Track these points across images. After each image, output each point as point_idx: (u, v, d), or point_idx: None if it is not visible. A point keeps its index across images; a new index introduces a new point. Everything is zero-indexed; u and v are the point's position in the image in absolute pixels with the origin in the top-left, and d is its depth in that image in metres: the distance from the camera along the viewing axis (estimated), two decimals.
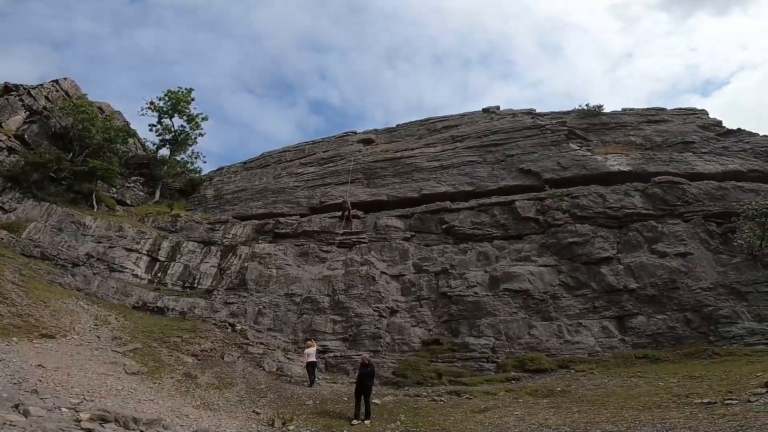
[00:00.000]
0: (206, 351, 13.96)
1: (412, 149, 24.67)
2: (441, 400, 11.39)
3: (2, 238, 17.71)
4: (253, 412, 10.33)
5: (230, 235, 22.37)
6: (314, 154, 27.60)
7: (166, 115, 29.80)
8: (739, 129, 22.58)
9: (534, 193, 19.58)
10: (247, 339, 16.12)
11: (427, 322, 16.85)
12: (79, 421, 6.86)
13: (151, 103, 29.44)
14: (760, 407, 7.01)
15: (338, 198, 22.41)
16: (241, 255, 20.93)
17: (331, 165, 25.74)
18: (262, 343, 16.04)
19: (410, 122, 28.26)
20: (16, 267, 15.06)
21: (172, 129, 30.21)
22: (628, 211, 17.68)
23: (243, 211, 24.59)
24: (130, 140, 28.96)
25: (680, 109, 25.22)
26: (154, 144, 30.69)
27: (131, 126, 30.02)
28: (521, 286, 16.52)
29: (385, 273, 18.65)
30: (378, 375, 13.58)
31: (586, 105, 24.82)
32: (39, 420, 6.34)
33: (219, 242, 21.95)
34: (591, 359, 13.37)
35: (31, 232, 19.09)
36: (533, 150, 21.78)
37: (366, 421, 9.91)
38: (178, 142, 30.22)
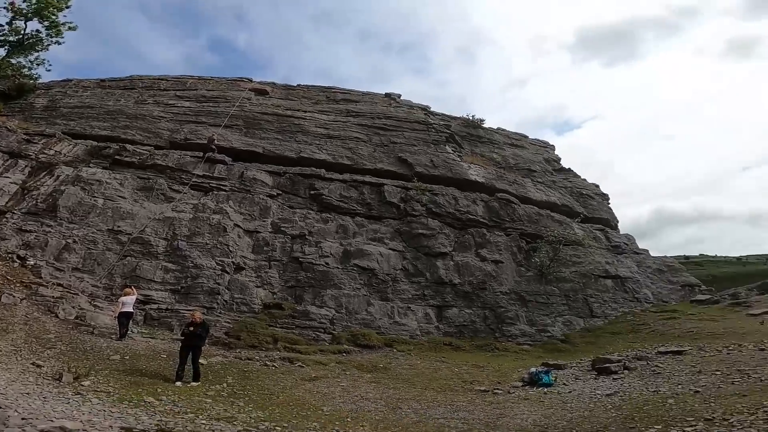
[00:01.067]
0: None
1: (305, 111, 23.66)
2: (273, 366, 11.31)
3: None
4: (33, 364, 8.45)
5: (52, 152, 17.88)
6: (196, 90, 24.13)
7: (22, 18, 23.57)
8: (569, 169, 28.05)
9: (403, 182, 20.83)
10: (41, 277, 13.17)
11: (273, 284, 16.45)
12: None
13: (12, 4, 23.28)
14: (515, 399, 8.95)
15: (209, 139, 19.83)
16: (59, 176, 16.92)
17: (211, 105, 22.78)
18: (60, 285, 13.28)
19: (312, 86, 27.17)
20: None
21: (22, 32, 23.93)
22: (471, 216, 20.28)
23: (80, 129, 20.04)
24: None
25: (537, 140, 29.98)
26: None
27: None
28: (370, 264, 17.45)
29: (239, 226, 17.45)
30: (210, 335, 12.67)
31: (472, 116, 27.54)
32: None
33: (32, 157, 17.35)
34: (411, 341, 15.00)
35: None
36: (415, 143, 23.17)
37: (194, 383, 9.09)
38: (23, 45, 24.14)
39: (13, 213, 15.36)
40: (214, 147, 19.42)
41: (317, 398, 9.03)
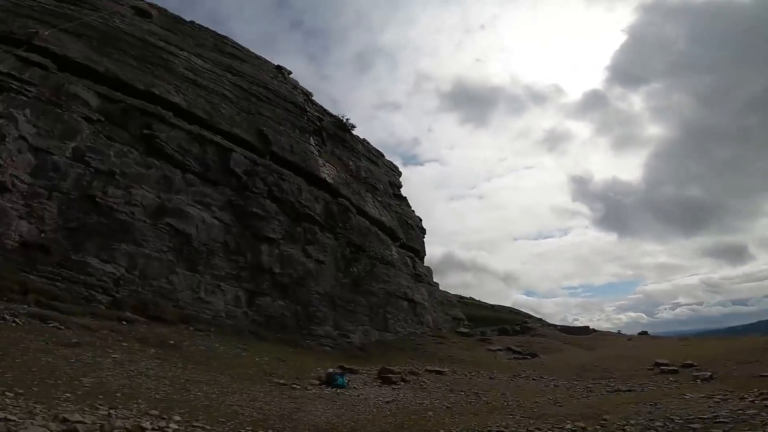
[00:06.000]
0: None
1: (181, 50, 20.29)
2: (15, 321, 8.67)
3: None
4: None
5: None
6: None
7: None
8: (405, 197, 31.65)
9: (254, 156, 19.50)
10: None
11: (45, 220, 12.88)
12: None
13: None
14: (312, 396, 9.31)
15: (42, 40, 15.15)
16: None
17: (72, 7, 17.64)
18: None
19: (205, 28, 23.82)
20: None
21: None
22: (308, 212, 20.32)
23: None
24: None
25: (390, 162, 32.25)
26: None
27: None
28: (187, 228, 15.47)
29: (24, 139, 13.29)
30: None
31: (346, 119, 28.02)
32: None
33: None
34: (213, 322, 13.92)
35: None
36: (282, 123, 22.36)
37: None
38: None
39: None
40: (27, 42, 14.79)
41: (76, 367, 7.35)
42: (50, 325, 9.16)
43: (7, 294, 9.85)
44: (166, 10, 22.77)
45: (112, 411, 5.81)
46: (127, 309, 11.78)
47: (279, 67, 26.55)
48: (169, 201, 15.53)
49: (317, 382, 10.49)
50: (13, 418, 4.66)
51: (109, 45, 17.52)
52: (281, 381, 9.75)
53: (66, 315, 10.00)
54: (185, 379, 8.09)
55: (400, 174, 32.79)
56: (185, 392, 7.49)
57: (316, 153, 23.29)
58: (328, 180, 22.54)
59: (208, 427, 6.13)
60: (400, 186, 31.50)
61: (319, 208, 21.07)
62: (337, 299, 19.03)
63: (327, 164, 23.43)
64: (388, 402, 9.44)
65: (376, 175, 28.60)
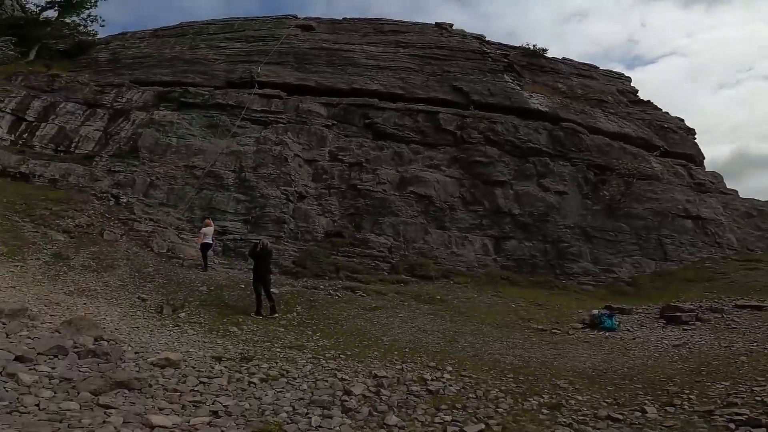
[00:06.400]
0: (82, 227, 12.54)
1: (353, 44, 23.18)
2: (337, 295, 12.23)
3: None
4: (139, 298, 9.95)
5: (124, 99, 19.22)
6: (244, 31, 24.48)
7: None
8: (648, 101, 25.73)
9: (458, 110, 20.01)
10: (134, 214, 14.79)
11: (333, 212, 17.17)
12: None
13: None
14: (574, 340, 8.89)
15: (263, 76, 20.48)
16: (135, 120, 18.24)
17: (261, 44, 22.94)
18: (152, 220, 14.91)
19: (358, 18, 26.42)
20: None
21: None
22: (532, 145, 19.15)
23: (144, 77, 21.03)
24: (6, 1, 24.41)
25: (609, 71, 27.69)
26: (37, 6, 25.58)
27: None
28: (426, 191, 17.35)
29: (299, 156, 18.06)
30: (278, 263, 13.92)
31: (533, 45, 25.66)
32: None
33: (108, 105, 18.75)
34: (468, 273, 15.13)
35: None
36: (470, 72, 22.18)
37: (274, 315, 9.97)
38: (72, 4, 25.48)
39: (101, 156, 17.01)
40: (255, 82, 20.23)
41: (377, 328, 9.76)
42: (357, 294, 12.49)
43: (327, 274, 14.03)
44: (320, 18, 26.31)
45: (403, 365, 7.51)
46: (401, 272, 14.60)
47: (439, 24, 25.98)
48: (406, 172, 17.80)
49: (580, 326, 10.04)
50: (346, 377, 6.82)
51: (305, 62, 21.74)
52: (540, 327, 9.88)
53: (365, 284, 13.39)
54: (453, 332, 9.48)
55: (629, 79, 27.56)
56: (454, 344, 8.81)
57: (518, 87, 22.03)
58: (542, 109, 20.75)
59: (474, 376, 6.90)
60: (635, 91, 26.53)
61: (543, 139, 19.65)
62: (591, 230, 17.12)
63: (534, 94, 21.76)
64: (676, 345, 8.17)
65: (596, 88, 24.73)
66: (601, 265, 16.44)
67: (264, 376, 6.05)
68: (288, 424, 4.62)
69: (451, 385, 6.41)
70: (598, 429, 5.06)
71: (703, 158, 23.93)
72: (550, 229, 16.98)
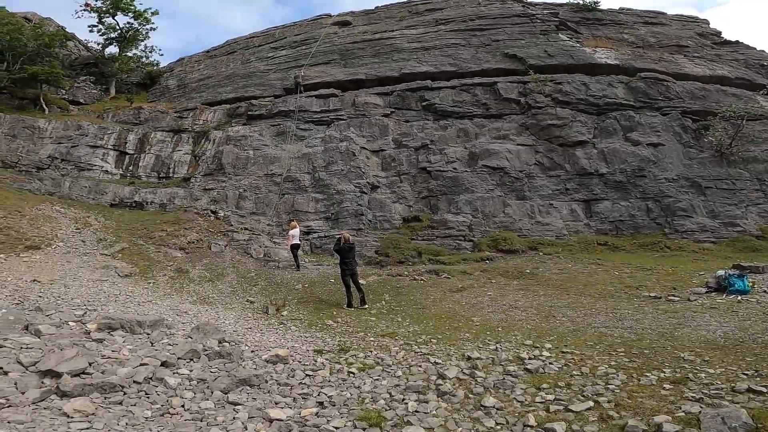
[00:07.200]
0: (193, 243, 14.31)
1: (392, 31, 23.23)
2: (422, 279, 12.42)
3: None
4: (247, 301, 11.10)
5: (201, 121, 21.28)
6: (285, 38, 25.71)
7: (108, 14, 27.31)
8: (737, 41, 23.27)
9: (517, 77, 19.14)
10: (231, 225, 16.43)
11: (407, 197, 17.33)
12: (89, 333, 7.07)
13: (87, 4, 27.09)
14: (698, 307, 7.81)
15: (315, 78, 21.25)
16: (214, 139, 20.06)
17: (304, 47, 23.89)
18: (246, 229, 16.44)
19: (390, 4, 26.54)
20: None
21: (118, 27, 27.78)
22: (609, 100, 17.73)
23: (211, 98, 23.08)
24: (70, 43, 27.40)
25: (681, 15, 25.09)
26: (98, 44, 28.50)
27: (66, 30, 27.72)
28: (499, 163, 16.64)
29: (365, 148, 18.48)
30: (361, 254, 14.49)
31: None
32: (52, 338, 6.43)
33: (189, 129, 20.93)
34: (558, 242, 14.32)
35: None
36: (520, 37, 21.23)
37: (364, 306, 10.40)
38: (127, 39, 28.09)
39: (195, 177, 19.10)
40: (301, 85, 21.13)
41: (466, 309, 9.74)
42: (442, 277, 12.55)
43: (410, 259, 14.26)
44: (353, 12, 26.79)
45: (497, 345, 7.42)
46: (485, 249, 14.28)
47: None
48: (474, 147, 17.21)
49: (703, 290, 8.83)
50: (439, 361, 6.96)
51: (350, 57, 22.02)
52: (652, 294, 8.92)
53: (449, 266, 13.39)
54: (549, 306, 9.07)
55: (706, 21, 25.10)
56: (551, 319, 8.42)
57: (578, 45, 20.57)
58: (611, 62, 19.22)
59: (578, 352, 6.55)
60: (719, 32, 24.23)
61: (621, 92, 18.05)
62: (701, 180, 15.17)
63: (598, 49, 20.22)
64: None
65: (670, 34, 22.64)
66: (721, 218, 14.51)
67: (361, 366, 6.42)
68: (386, 410, 4.88)
69: (551, 363, 6.20)
70: (737, 403, 4.51)
71: None
72: (649, 185, 15.39)
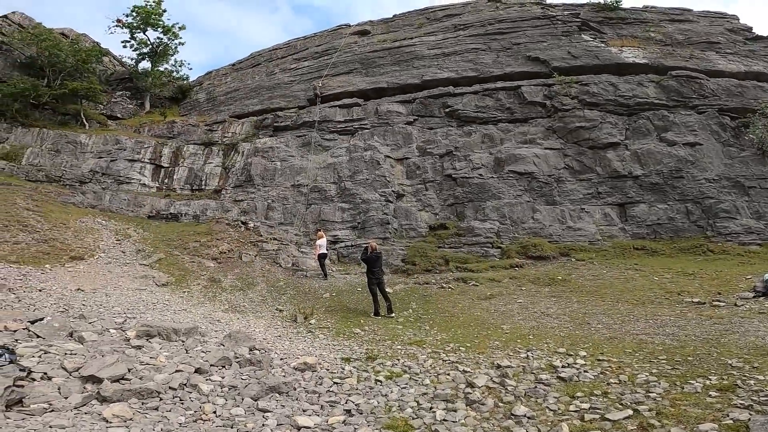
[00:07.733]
0: (225, 253, 14.75)
1: (412, 38, 23.24)
2: (449, 287, 12.28)
3: (3, 168, 17.72)
4: (277, 309, 11.30)
5: (230, 134, 22.07)
6: (306, 49, 26.27)
7: (138, 30, 28.68)
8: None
9: (541, 80, 18.75)
10: (261, 236, 16.83)
11: (433, 205, 17.24)
12: (128, 340, 7.37)
13: (119, 21, 28.53)
14: (746, 312, 7.37)
15: (337, 88, 21.58)
16: (243, 152, 20.74)
17: (326, 57, 24.31)
18: (275, 239, 16.80)
19: (408, 12, 26.73)
20: (26, 193, 15.15)
21: (149, 42, 29.19)
22: (639, 100, 17.06)
23: (239, 110, 23.85)
24: (105, 58, 28.77)
25: (708, 11, 24.03)
26: (132, 59, 29.97)
27: (101, 46, 29.18)
28: (526, 168, 16.32)
29: (389, 157, 18.58)
30: (388, 263, 14.48)
31: None
32: (94, 345, 6.72)
33: (219, 142, 21.76)
34: (591, 248, 13.83)
35: (30, 157, 19.27)
36: (542, 39, 20.77)
37: (391, 314, 10.40)
38: (158, 53, 29.44)
39: (226, 189, 19.75)
40: (318, 92, 21.54)
41: (495, 317, 9.53)
42: (470, 284, 12.36)
43: (437, 267, 14.13)
44: (372, 21, 26.90)
45: (528, 353, 7.21)
46: (514, 255, 13.95)
47: None
48: (500, 152, 16.96)
49: (750, 295, 8.32)
50: (468, 369, 6.83)
51: (371, 66, 22.13)
52: (696, 299, 8.44)
53: (477, 273, 13.18)
54: (583, 313, 8.73)
55: (735, 17, 24.08)
56: (585, 326, 8.11)
57: (602, 45, 19.92)
58: (639, 61, 18.45)
59: (615, 360, 6.31)
60: (750, 28, 23.26)
61: (652, 91, 17.32)
62: (743, 179, 14.37)
63: (624, 48, 19.56)
64: None
65: (699, 31, 21.67)
66: (766, 219, 13.68)
67: (388, 374, 6.39)
68: (414, 419, 4.82)
69: (586, 371, 5.98)
70: None
71: None
72: (688, 186, 14.68)
